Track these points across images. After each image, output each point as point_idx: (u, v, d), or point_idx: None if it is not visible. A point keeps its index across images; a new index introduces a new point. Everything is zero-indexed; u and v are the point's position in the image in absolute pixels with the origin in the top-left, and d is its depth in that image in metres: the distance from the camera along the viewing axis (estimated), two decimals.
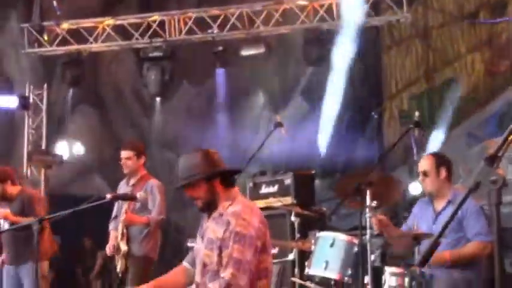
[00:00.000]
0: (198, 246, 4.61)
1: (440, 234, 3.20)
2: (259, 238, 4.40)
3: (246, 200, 4.58)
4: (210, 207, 4.54)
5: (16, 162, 14.26)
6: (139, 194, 7.30)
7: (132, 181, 8.13)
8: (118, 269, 8.02)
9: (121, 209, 8.09)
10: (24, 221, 8.05)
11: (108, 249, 8.13)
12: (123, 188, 8.22)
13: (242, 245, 4.32)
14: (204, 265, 4.49)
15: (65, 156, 13.48)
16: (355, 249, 6.39)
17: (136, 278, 7.82)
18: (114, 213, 8.33)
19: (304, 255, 7.12)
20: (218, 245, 4.40)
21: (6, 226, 8.40)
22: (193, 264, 4.71)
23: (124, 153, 8.12)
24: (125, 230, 8.02)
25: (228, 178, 4.56)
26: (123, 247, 7.96)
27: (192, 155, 4.56)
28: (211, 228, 4.50)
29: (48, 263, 8.74)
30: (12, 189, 8.44)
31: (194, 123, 14.88)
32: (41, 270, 8.46)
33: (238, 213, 4.40)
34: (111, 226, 8.31)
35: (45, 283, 8.88)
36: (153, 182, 8.07)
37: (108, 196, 5.00)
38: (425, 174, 6.46)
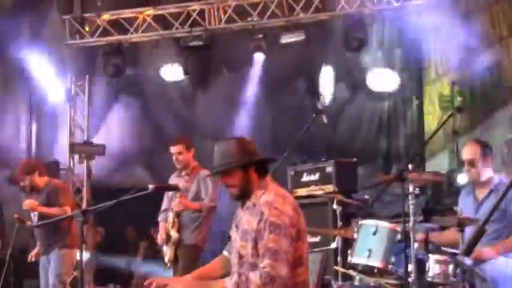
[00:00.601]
0: (234, 236, 4.60)
1: (485, 222, 3.14)
2: (293, 226, 4.39)
3: (278, 188, 4.57)
4: (244, 195, 4.55)
5: (59, 153, 14.41)
6: (181, 184, 7.37)
7: (184, 173, 8.25)
8: (166, 259, 8.10)
9: (171, 202, 8.20)
10: (51, 211, 8.25)
11: (160, 239, 8.23)
12: (174, 180, 8.32)
13: (277, 234, 4.31)
14: (240, 256, 4.50)
15: (107, 146, 13.51)
16: (398, 236, 6.34)
17: (186, 267, 7.90)
18: (163, 206, 8.44)
19: (347, 244, 7.15)
20: (253, 237, 4.40)
21: (35, 217, 8.57)
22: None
23: (174, 149, 8.28)
24: (176, 219, 8.12)
25: (262, 167, 4.56)
26: (174, 234, 8.07)
27: (227, 143, 4.58)
28: (246, 218, 4.51)
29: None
30: (40, 181, 8.71)
31: (234, 111, 14.86)
32: (72, 258, 8.69)
33: (270, 202, 4.40)
34: (160, 218, 8.41)
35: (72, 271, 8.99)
36: (205, 172, 8.22)
37: (151, 187, 5.03)
38: (471, 163, 6.37)
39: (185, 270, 7.81)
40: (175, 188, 6.58)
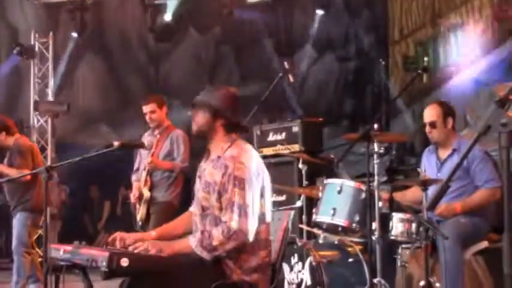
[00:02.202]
0: (197, 187, 4.61)
1: (449, 179, 3.18)
2: (257, 182, 4.38)
3: (244, 145, 4.53)
4: (199, 135, 4.55)
5: (22, 111, 14.27)
6: (147, 141, 7.33)
7: (157, 132, 8.21)
8: (138, 217, 8.09)
9: (143, 160, 8.18)
10: (10, 172, 8.15)
11: (133, 197, 8.21)
12: (147, 139, 8.29)
13: (241, 188, 4.30)
14: (203, 208, 4.49)
15: (72, 105, 13.39)
16: (363, 195, 6.38)
17: (158, 223, 7.90)
18: (136, 165, 8.41)
19: (312, 202, 7.12)
20: (216, 189, 4.39)
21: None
22: None
23: (146, 108, 8.23)
24: (148, 177, 8.11)
25: (232, 127, 4.53)
26: (146, 193, 8.05)
27: (219, 88, 4.59)
28: (209, 171, 4.49)
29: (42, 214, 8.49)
30: (9, 140, 8.45)
31: (201, 71, 14.81)
32: (33, 221, 8.51)
33: (235, 156, 4.38)
34: (134, 178, 8.39)
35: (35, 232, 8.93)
36: (178, 132, 8.22)
37: (116, 143, 4.98)
38: (432, 124, 6.44)
39: (157, 226, 7.84)
40: (140, 146, 6.52)
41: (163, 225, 4.89)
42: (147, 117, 8.27)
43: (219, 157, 4.45)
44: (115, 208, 14.76)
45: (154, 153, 8.07)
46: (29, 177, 8.15)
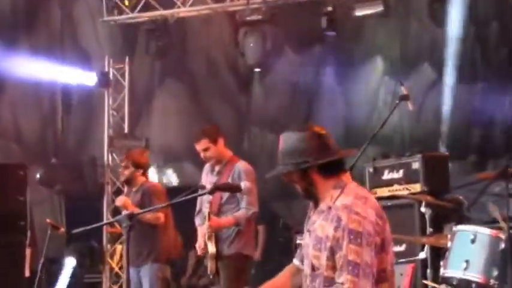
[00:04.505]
0: (306, 242, 4.60)
1: None
2: (377, 234, 4.34)
3: (358, 189, 4.50)
4: (308, 197, 4.55)
5: (95, 148, 14.58)
6: (243, 184, 7.37)
7: (217, 168, 8.24)
8: (209, 271, 8.16)
9: (205, 202, 8.21)
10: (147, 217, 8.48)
11: (198, 248, 8.26)
12: (209, 177, 8.33)
13: (358, 244, 4.27)
14: (313, 268, 4.47)
15: (151, 140, 13.63)
16: (502, 245, 6.28)
17: (229, 280, 7.94)
18: (198, 207, 8.46)
19: (439, 254, 7.10)
20: (328, 246, 4.35)
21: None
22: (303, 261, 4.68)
23: (199, 146, 8.27)
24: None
25: (330, 167, 4.51)
26: (211, 249, 8.07)
27: (290, 137, 4.55)
28: (319, 223, 4.47)
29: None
30: (140, 179, 9.10)
31: (300, 97, 14.88)
32: (162, 272, 8.93)
33: (349, 206, 4.35)
34: (197, 221, 8.44)
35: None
36: (240, 167, 8.18)
37: (209, 187, 5.02)
38: None
39: (228, 284, 7.96)
40: (237, 189, 6.55)
41: (265, 284, 4.86)
42: (202, 156, 8.32)
43: (329, 207, 4.44)
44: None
45: (211, 210, 8.07)
46: (163, 219, 8.74)
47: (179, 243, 9.41)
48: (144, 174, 9.20)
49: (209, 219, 8.03)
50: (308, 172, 4.47)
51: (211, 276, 8.17)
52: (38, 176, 13.80)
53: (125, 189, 9.58)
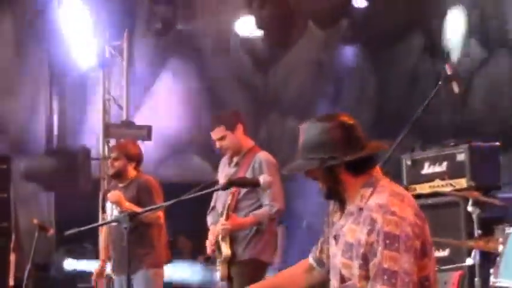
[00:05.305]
0: (333, 251, 4.55)
1: None
2: (417, 237, 4.28)
3: (393, 185, 4.45)
4: (333, 197, 4.53)
5: (88, 137, 14.59)
6: (262, 178, 7.32)
7: (235, 159, 8.22)
8: (219, 276, 8.16)
9: (220, 198, 8.19)
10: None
11: (209, 246, 8.25)
12: (225, 170, 8.31)
13: (396, 249, 4.21)
14: (342, 279, 4.43)
15: (154, 128, 13.63)
16: None
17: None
18: (212, 203, 8.44)
19: (489, 260, 7.07)
20: (361, 252, 4.30)
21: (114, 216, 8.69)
22: (320, 263, 4.72)
23: (214, 134, 8.24)
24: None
25: (360, 163, 4.46)
26: (225, 251, 8.06)
27: (313, 128, 4.49)
28: (348, 227, 4.41)
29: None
30: (131, 172, 9.08)
31: (324, 78, 14.86)
32: (160, 278, 9.04)
33: (384, 205, 4.29)
34: (209, 219, 8.43)
35: None
36: (262, 157, 8.14)
37: (221, 182, 4.98)
38: None
39: None
40: (255, 184, 6.48)
41: (267, 279, 4.92)
42: (217, 146, 8.28)
43: (360, 208, 4.38)
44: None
45: (229, 206, 8.04)
46: (162, 220, 8.85)
47: (168, 246, 9.47)
48: (137, 167, 9.16)
49: (227, 217, 8.00)
50: (335, 170, 4.42)
51: (222, 282, 8.17)
52: (22, 169, 13.83)
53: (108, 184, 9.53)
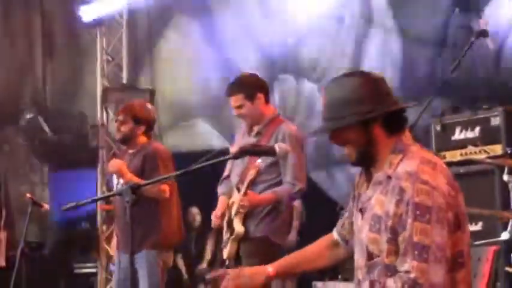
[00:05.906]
0: (359, 225, 4.58)
1: None
2: (450, 209, 4.31)
3: (423, 152, 4.48)
4: (363, 161, 4.53)
5: (85, 103, 14.63)
6: (278, 146, 7.35)
7: (256, 129, 8.22)
8: (225, 255, 8.16)
9: (238, 167, 8.19)
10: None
11: (214, 217, 8.28)
12: (245, 139, 8.31)
13: (427, 221, 4.23)
14: (370, 255, 4.45)
15: (155, 92, 13.67)
16: None
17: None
18: (226, 172, 8.45)
19: None
20: (389, 225, 4.32)
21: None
22: (344, 239, 4.80)
23: (232, 101, 8.23)
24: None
25: (395, 120, 4.49)
26: (238, 227, 8.07)
27: (341, 84, 4.54)
28: (376, 198, 4.44)
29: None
30: (141, 139, 8.92)
31: (344, 36, 14.85)
32: (163, 261, 8.87)
33: (414, 173, 4.31)
34: (220, 189, 8.44)
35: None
36: (286, 128, 8.14)
37: (232, 150, 5.02)
38: None
39: None
40: (269, 152, 6.49)
41: (285, 257, 4.95)
42: (235, 113, 8.28)
43: (389, 177, 4.40)
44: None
45: (250, 182, 8.04)
46: (168, 193, 8.60)
47: (181, 225, 9.26)
48: (147, 133, 8.98)
49: (245, 193, 8.05)
50: (371, 125, 4.44)
51: (227, 262, 8.17)
52: (12, 137, 13.88)
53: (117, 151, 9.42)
